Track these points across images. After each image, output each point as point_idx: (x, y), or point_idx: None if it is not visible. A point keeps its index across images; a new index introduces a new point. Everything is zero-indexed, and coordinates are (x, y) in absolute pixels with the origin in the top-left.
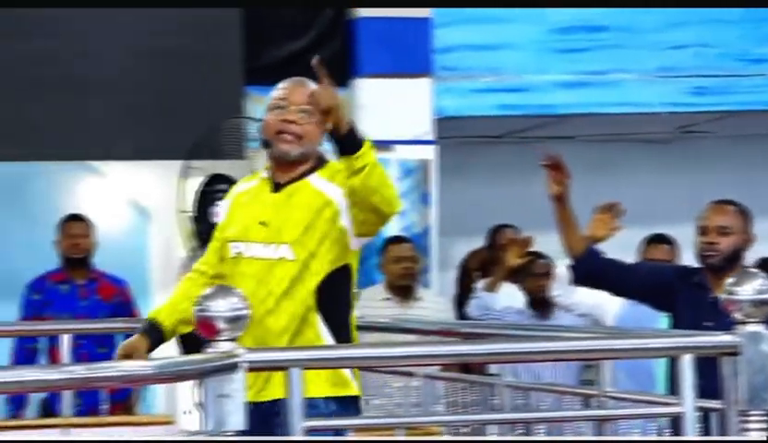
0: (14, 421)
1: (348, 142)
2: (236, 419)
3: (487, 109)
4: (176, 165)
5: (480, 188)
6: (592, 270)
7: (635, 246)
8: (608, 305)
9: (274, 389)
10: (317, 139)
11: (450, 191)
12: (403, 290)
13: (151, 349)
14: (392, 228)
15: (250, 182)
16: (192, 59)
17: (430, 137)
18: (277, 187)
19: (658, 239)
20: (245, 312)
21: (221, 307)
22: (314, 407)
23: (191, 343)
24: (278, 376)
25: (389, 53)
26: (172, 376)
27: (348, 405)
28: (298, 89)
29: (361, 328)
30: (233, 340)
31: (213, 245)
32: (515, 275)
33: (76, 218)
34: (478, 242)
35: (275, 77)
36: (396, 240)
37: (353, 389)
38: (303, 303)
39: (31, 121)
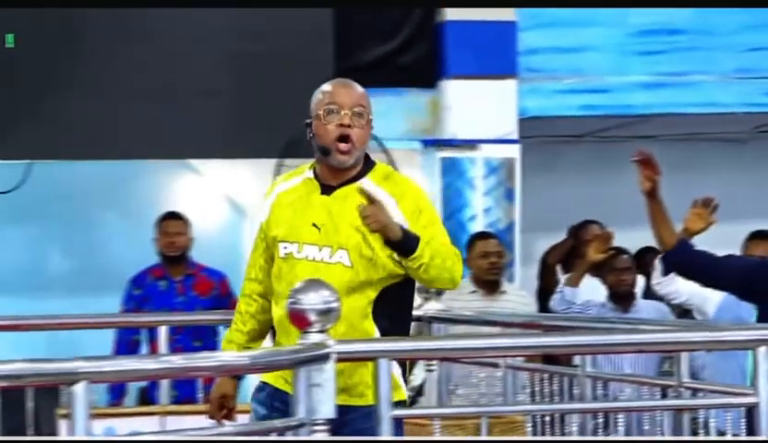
0: (114, 408)
1: (403, 248)
2: (327, 408)
3: (570, 109)
4: (270, 163)
5: (562, 186)
6: (683, 262)
7: (711, 240)
8: (709, 294)
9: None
10: (367, 142)
11: (534, 188)
12: (489, 284)
13: (237, 379)
14: (478, 224)
15: (291, 180)
16: (286, 62)
17: (514, 137)
18: (326, 189)
19: (759, 235)
20: (335, 305)
21: (312, 300)
22: (369, 415)
23: None
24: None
25: (475, 55)
26: (265, 366)
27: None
28: (346, 90)
29: (447, 320)
30: (324, 331)
31: (258, 246)
32: (597, 269)
33: (172, 216)
34: (559, 238)
35: (365, 79)
36: (482, 235)
37: (402, 394)
38: (361, 312)
39: (133, 121)
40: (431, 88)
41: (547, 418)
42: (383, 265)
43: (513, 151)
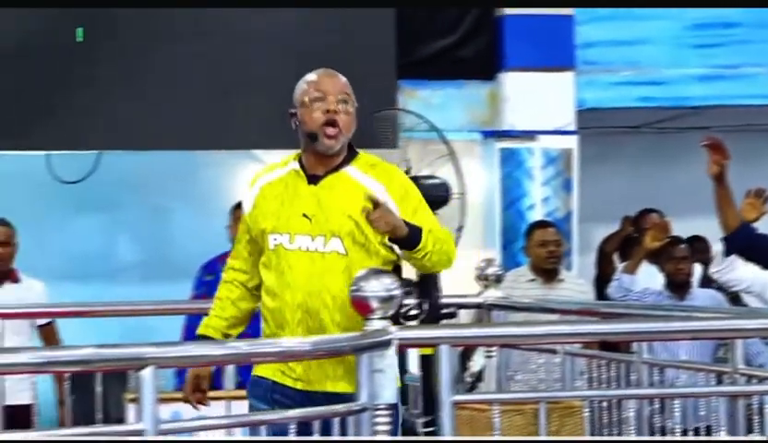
0: (181, 393)
1: (409, 242)
2: (389, 393)
3: (627, 101)
4: None
5: (619, 176)
6: (744, 243)
7: (764, 230)
8: None
9: (333, 383)
10: (352, 129)
11: (591, 178)
12: (548, 272)
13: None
14: (537, 214)
15: (274, 172)
16: (349, 55)
17: (572, 128)
18: (312, 179)
19: None
20: (396, 292)
21: (374, 288)
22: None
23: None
24: (334, 370)
25: (533, 48)
26: (328, 352)
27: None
28: (331, 79)
29: (506, 307)
30: (385, 318)
31: (241, 238)
32: (655, 257)
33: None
34: (616, 227)
35: (426, 71)
36: (541, 224)
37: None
38: None
39: (200, 113)
40: (490, 80)
41: (605, 403)
42: (376, 251)
43: (571, 142)
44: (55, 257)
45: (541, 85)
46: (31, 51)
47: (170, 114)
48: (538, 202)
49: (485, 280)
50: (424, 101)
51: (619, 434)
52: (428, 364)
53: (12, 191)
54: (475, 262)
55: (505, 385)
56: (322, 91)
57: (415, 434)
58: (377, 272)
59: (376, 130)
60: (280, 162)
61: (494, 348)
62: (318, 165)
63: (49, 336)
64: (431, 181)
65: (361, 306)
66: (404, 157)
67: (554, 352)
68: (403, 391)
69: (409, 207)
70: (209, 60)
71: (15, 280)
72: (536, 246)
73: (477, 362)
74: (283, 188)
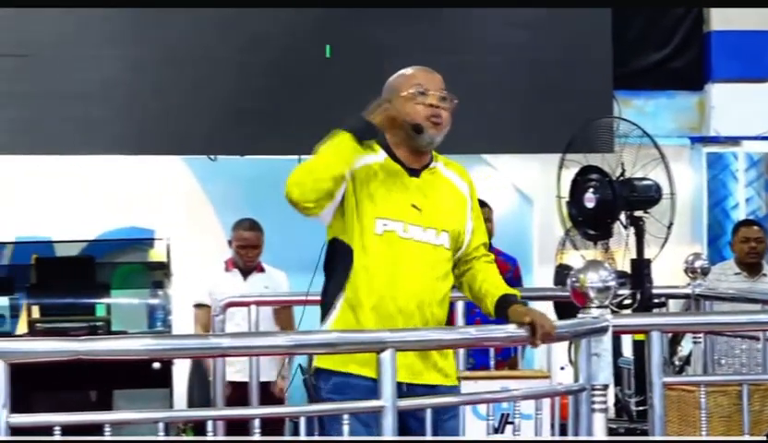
0: None
1: None
2: (605, 375)
3: None
4: (555, 158)
5: None
6: None
7: None
8: None
9: (430, 374)
10: (448, 126)
11: None
12: (751, 266)
13: None
14: (740, 212)
15: (368, 156)
16: (571, 68)
17: None
18: (412, 172)
19: None
20: (611, 283)
21: (592, 279)
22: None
23: (564, 310)
24: (437, 363)
25: (738, 61)
26: None
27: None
28: (431, 76)
29: (713, 297)
30: (602, 307)
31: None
32: None
33: (481, 204)
34: None
35: (640, 82)
36: (747, 223)
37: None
38: (447, 296)
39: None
40: (698, 90)
41: None
42: (451, 257)
43: None
44: (302, 250)
45: (745, 95)
46: (285, 65)
47: None
48: (742, 202)
49: (692, 272)
50: (637, 110)
51: None
52: (641, 348)
53: (265, 191)
54: (684, 256)
55: (711, 368)
56: (423, 86)
57: (629, 412)
58: (594, 264)
59: (594, 135)
60: (368, 149)
61: (700, 334)
62: (414, 160)
63: (284, 319)
64: (644, 182)
65: (579, 297)
66: (619, 160)
67: (756, 338)
68: (618, 373)
69: (474, 209)
70: (441, 71)
71: (261, 270)
72: (740, 242)
73: (685, 347)
74: (386, 175)
